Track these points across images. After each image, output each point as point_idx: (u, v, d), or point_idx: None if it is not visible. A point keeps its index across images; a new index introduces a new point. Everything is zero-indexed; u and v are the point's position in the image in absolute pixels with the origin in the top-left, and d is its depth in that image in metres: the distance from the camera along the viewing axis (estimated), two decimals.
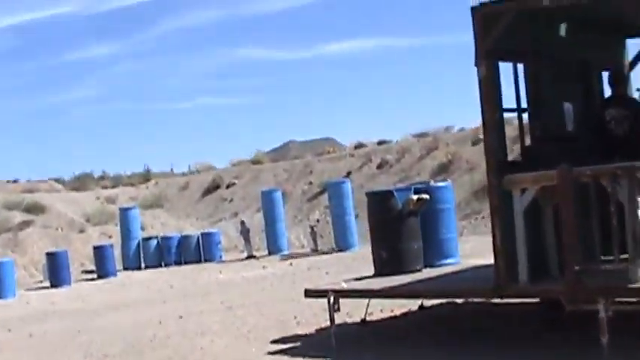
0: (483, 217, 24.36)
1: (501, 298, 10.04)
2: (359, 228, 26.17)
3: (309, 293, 11.22)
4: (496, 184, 9.08)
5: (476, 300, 12.29)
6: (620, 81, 10.86)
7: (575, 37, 10.30)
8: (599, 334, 8.10)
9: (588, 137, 10.45)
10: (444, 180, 25.33)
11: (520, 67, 10.12)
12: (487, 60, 9.07)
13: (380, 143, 35.42)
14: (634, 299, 9.53)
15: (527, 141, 10.55)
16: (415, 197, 11.61)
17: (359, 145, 35.89)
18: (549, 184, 8.88)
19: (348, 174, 31.83)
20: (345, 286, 11.03)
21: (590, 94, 10.95)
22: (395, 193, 11.68)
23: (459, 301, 12.59)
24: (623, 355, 8.24)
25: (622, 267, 8.42)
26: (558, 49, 10.23)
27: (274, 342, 11.45)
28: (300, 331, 12.10)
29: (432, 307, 12.62)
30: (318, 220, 29.89)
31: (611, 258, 8.59)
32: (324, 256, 24.39)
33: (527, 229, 9.04)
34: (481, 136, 29.38)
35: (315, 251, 26.31)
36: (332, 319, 10.51)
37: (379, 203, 11.81)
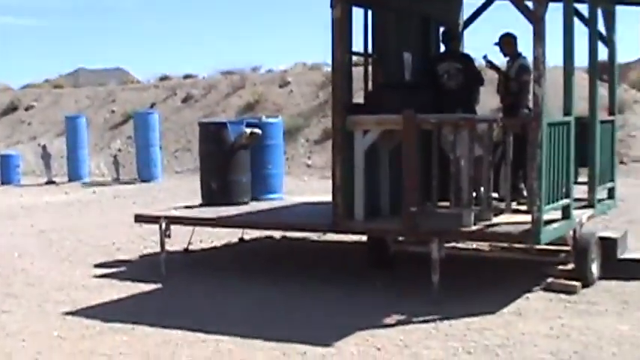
0: (288, 159, 24.74)
1: (338, 233, 10.46)
2: (162, 160, 26.26)
3: (139, 218, 11.24)
4: (340, 124, 9.36)
5: (293, 237, 12.73)
6: (454, 37, 11.42)
7: None
8: (431, 274, 8.55)
9: (424, 87, 10.95)
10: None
11: (370, 14, 10.44)
12: (342, 3, 9.31)
13: (186, 77, 35.23)
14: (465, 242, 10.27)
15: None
16: (248, 131, 11.80)
17: (164, 77, 35.56)
18: (391, 127, 9.28)
19: (152, 105, 31.55)
20: (176, 213, 11.11)
21: (428, 47, 11.44)
22: (228, 126, 11.82)
23: (277, 236, 12.98)
24: (454, 293, 8.80)
25: (456, 211, 8.93)
26: (404, 1, 10.63)
27: (98, 266, 11.46)
28: (123, 257, 12.16)
29: (250, 240, 12.96)
30: (119, 150, 29.58)
31: (447, 203, 9.07)
32: (128, 186, 24.25)
33: (365, 169, 9.41)
34: (289, 79, 30.05)
35: (117, 180, 26.10)
36: (162, 245, 10.61)
37: (212, 134, 11.89)
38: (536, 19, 8.39)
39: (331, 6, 9.28)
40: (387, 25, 10.51)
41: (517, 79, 10.97)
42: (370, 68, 10.72)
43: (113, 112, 32.69)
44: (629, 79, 27.40)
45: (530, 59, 9.07)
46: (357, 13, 10.04)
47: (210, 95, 31.77)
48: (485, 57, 11.16)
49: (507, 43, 11.06)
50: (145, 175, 25.50)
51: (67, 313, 8.77)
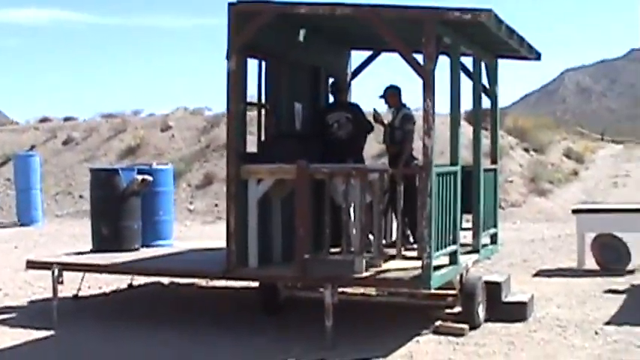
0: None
1: (231, 280, 10.59)
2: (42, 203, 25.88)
3: (31, 264, 11.13)
4: (234, 172, 9.55)
5: (182, 282, 12.80)
6: (342, 88, 11.76)
7: (310, 43, 11.03)
8: (325, 319, 8.76)
9: (314, 137, 11.24)
10: (133, 163, 25.62)
11: (263, 65, 10.70)
12: (237, 55, 9.53)
13: (66, 119, 34.89)
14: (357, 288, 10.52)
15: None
16: (140, 178, 11.87)
17: (44, 119, 35.14)
18: (284, 177, 9.52)
19: (32, 147, 31.12)
20: (68, 259, 11.08)
21: (317, 97, 11.75)
22: (120, 172, 11.87)
23: (165, 282, 13.03)
24: (346, 338, 8.99)
25: (349, 258, 9.19)
26: (296, 52, 10.92)
27: None
28: (11, 303, 12.00)
29: (139, 286, 12.97)
30: None
31: (339, 250, 9.33)
32: (7, 230, 23.81)
33: (259, 217, 9.61)
34: (170, 124, 30.09)
35: None
36: (55, 292, 10.52)
37: (104, 180, 11.90)
38: (426, 74, 8.77)
39: (227, 58, 9.49)
40: (280, 76, 10.79)
41: (401, 128, 11.36)
42: (263, 118, 10.94)
43: None
44: (505, 126, 28.35)
45: (416, 110, 9.45)
46: (252, 63, 10.29)
47: (91, 138, 31.54)
48: (374, 110, 11.57)
49: (392, 95, 11.48)
50: (25, 219, 25.06)
51: None
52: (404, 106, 11.52)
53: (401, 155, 11.28)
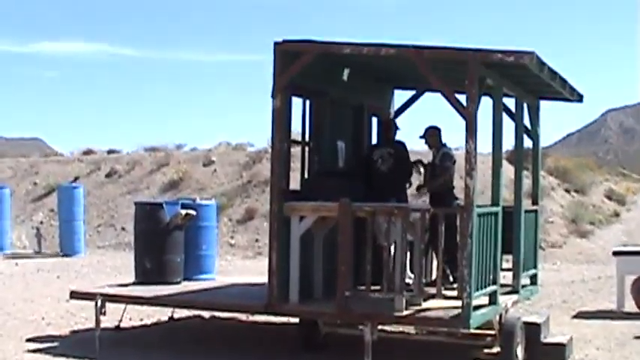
0: None
1: (272, 315, 10.69)
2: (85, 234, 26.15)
3: (75, 295, 11.34)
4: (277, 209, 9.69)
5: (222, 317, 12.92)
6: (388, 127, 11.87)
7: (354, 82, 11.17)
8: (364, 356, 8.82)
9: (357, 174, 11.37)
10: (176, 197, 25.87)
11: (307, 104, 10.86)
12: (282, 93, 9.70)
13: (110, 152, 35.31)
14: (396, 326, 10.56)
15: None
16: (184, 212, 12.04)
17: (88, 152, 35.59)
18: (326, 214, 9.64)
19: (76, 179, 31.51)
20: (111, 291, 11.25)
21: (360, 136, 11.88)
22: (164, 206, 12.05)
23: (206, 316, 13.14)
24: None
25: (389, 296, 9.27)
26: (339, 92, 11.07)
27: (30, 341, 11.43)
28: (54, 332, 12.15)
29: (180, 319, 13.09)
30: (42, 222, 29.43)
31: (379, 288, 9.41)
32: (50, 259, 24.06)
33: (300, 253, 9.72)
34: (213, 158, 30.33)
35: (39, 253, 25.92)
36: (98, 322, 10.68)
37: (148, 214, 12.10)
38: (469, 115, 8.86)
39: (272, 96, 9.65)
40: (323, 114, 10.94)
41: (441, 166, 11.44)
42: (307, 155, 11.08)
43: (36, 184, 32.55)
44: (546, 166, 28.30)
45: (457, 149, 9.52)
46: (296, 102, 10.44)
47: (134, 171, 31.87)
48: (419, 160, 11.71)
49: (432, 135, 11.57)
50: (68, 249, 25.33)
51: None
52: (444, 145, 11.60)
53: (442, 193, 11.32)
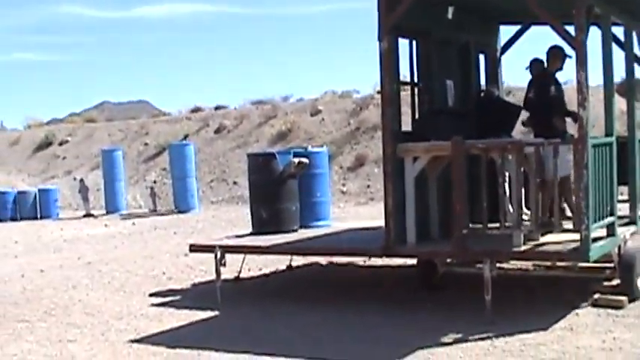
0: None
1: (390, 257, 10.78)
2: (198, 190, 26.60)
3: (194, 248, 11.58)
4: (390, 152, 9.70)
5: (340, 262, 13.06)
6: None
7: (459, 20, 11.08)
8: (484, 294, 8.84)
9: (466, 112, 11.32)
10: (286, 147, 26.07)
11: (414, 44, 10.83)
12: (389, 35, 9.67)
13: (217, 108, 35.73)
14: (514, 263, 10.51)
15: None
16: (296, 160, 12.15)
17: (196, 109, 36.09)
18: (439, 154, 9.63)
19: (185, 137, 32.03)
20: (230, 242, 11.46)
21: (469, 74, 11.81)
22: (277, 156, 12.19)
23: (323, 262, 13.31)
24: (505, 312, 9.07)
25: (506, 232, 9.25)
26: (445, 31, 11.00)
27: (152, 295, 11.80)
28: (175, 286, 12.48)
29: (298, 267, 13.28)
30: (155, 181, 30.04)
31: (497, 225, 9.38)
32: (166, 217, 24.64)
33: (416, 194, 9.74)
34: (320, 108, 30.46)
35: (154, 212, 26.52)
36: (218, 274, 10.90)
37: (261, 165, 12.25)
38: (578, 45, 8.72)
39: (379, 39, 9.63)
40: (430, 54, 10.89)
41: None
42: (416, 97, 11.07)
43: (146, 144, 33.21)
44: None
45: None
46: (402, 43, 10.43)
47: (242, 125, 32.23)
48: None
49: (537, 67, 11.35)
50: (182, 206, 25.89)
51: (132, 341, 9.09)
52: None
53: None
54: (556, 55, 10.77)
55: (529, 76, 11.34)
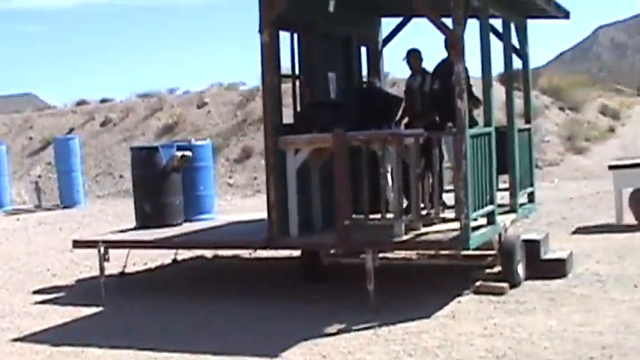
0: None
1: (273, 249, 10.80)
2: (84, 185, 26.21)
3: (77, 244, 11.43)
4: (272, 144, 9.72)
5: (225, 255, 13.05)
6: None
7: (340, 12, 11.12)
8: (367, 284, 8.92)
9: (349, 104, 11.40)
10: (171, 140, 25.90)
11: (295, 37, 10.85)
12: (270, 28, 9.67)
13: (103, 101, 35.29)
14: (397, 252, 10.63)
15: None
16: (180, 154, 12.08)
17: (81, 102, 35.58)
18: (321, 146, 9.68)
19: (71, 131, 31.54)
20: (113, 237, 11.33)
21: (350, 66, 11.89)
22: (160, 149, 12.10)
23: (209, 256, 13.27)
24: (389, 301, 9.19)
25: (387, 222, 9.35)
26: (327, 23, 11.04)
27: (36, 292, 11.56)
28: (59, 282, 12.27)
29: (183, 261, 13.21)
30: (40, 176, 29.49)
31: (379, 216, 9.48)
32: (51, 212, 24.20)
33: (298, 186, 9.78)
34: (206, 100, 30.35)
35: (39, 207, 26.03)
36: (102, 270, 10.78)
37: (145, 159, 12.14)
38: (456, 39, 8.87)
39: (259, 31, 9.63)
40: (312, 47, 10.92)
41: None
42: (298, 89, 11.10)
43: (31, 138, 32.59)
44: (539, 85, 28.33)
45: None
46: (284, 36, 10.44)
47: (128, 119, 31.90)
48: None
49: (415, 58, 11.51)
50: (68, 201, 25.44)
51: (15, 340, 8.91)
52: (425, 70, 11.54)
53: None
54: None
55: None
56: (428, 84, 11.34)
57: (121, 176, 27.84)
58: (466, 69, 10.73)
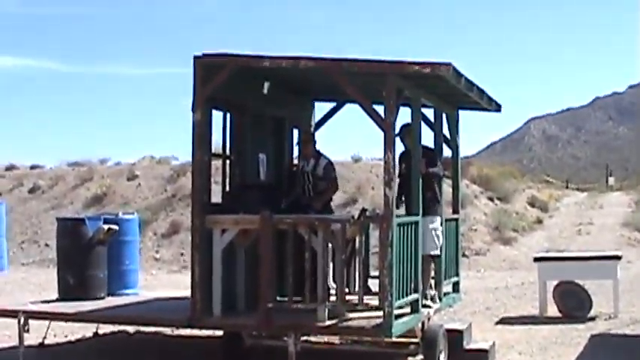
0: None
1: (196, 329, 10.67)
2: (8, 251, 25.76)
3: None
4: (199, 222, 9.69)
5: (147, 331, 12.86)
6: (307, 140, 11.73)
7: (274, 95, 11.20)
8: None
9: (278, 186, 11.42)
10: (99, 212, 25.66)
11: (228, 117, 10.88)
12: (202, 107, 9.71)
13: (33, 167, 34.92)
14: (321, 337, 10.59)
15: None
16: (106, 227, 11.97)
17: (10, 167, 35.15)
18: (248, 227, 9.66)
19: None
20: (34, 307, 11.14)
21: (282, 148, 11.94)
22: (86, 221, 11.98)
23: (131, 331, 13.07)
24: None
25: (311, 306, 9.32)
26: (260, 105, 11.10)
27: None
28: None
29: (105, 335, 12.99)
30: None
31: (301, 299, 9.44)
32: None
33: (223, 266, 9.73)
34: (137, 172, 30.19)
35: None
36: (21, 340, 10.58)
37: (70, 229, 12.02)
38: (387, 126, 8.97)
39: (192, 110, 9.65)
40: (244, 127, 10.96)
41: (326, 177, 11.36)
42: (228, 168, 11.09)
43: None
44: (469, 175, 28.66)
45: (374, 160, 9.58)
46: (217, 115, 10.46)
47: (57, 187, 31.59)
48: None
49: (307, 142, 11.51)
50: None
51: None
52: (321, 154, 11.51)
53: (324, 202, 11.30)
54: (410, 131, 11.05)
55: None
56: (320, 168, 11.29)
57: (46, 245, 27.41)
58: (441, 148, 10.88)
